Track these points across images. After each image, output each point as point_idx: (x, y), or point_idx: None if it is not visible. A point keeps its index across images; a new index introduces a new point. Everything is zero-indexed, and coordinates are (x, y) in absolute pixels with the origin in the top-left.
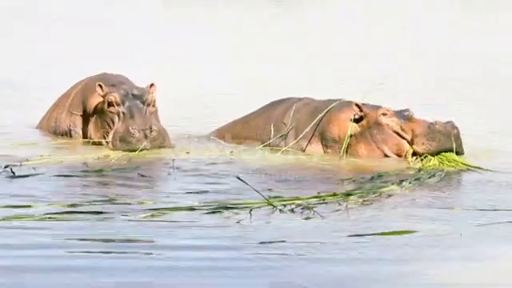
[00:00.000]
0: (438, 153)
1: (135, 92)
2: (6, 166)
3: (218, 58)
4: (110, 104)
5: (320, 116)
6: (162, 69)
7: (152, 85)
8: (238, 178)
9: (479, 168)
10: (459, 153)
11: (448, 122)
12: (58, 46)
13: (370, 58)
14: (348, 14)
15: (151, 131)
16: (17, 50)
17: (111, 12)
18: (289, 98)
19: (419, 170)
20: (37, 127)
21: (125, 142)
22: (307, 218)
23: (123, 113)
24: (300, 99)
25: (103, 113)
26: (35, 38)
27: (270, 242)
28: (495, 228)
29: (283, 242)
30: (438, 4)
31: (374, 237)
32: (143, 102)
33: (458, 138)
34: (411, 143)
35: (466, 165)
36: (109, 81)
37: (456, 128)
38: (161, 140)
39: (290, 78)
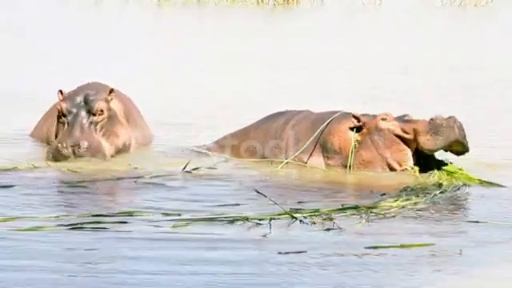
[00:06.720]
0: (446, 146)
1: (87, 101)
2: None
3: (210, 66)
4: (59, 113)
5: (321, 128)
6: (155, 72)
7: (111, 91)
8: (257, 191)
9: (497, 184)
10: (465, 145)
11: (450, 117)
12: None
13: (371, 65)
14: (350, 20)
15: (79, 148)
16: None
17: (111, 12)
18: (288, 111)
19: (440, 184)
20: (30, 135)
21: (54, 157)
22: (327, 230)
23: (67, 123)
24: (299, 112)
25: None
26: (38, 39)
27: (289, 253)
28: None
29: (304, 252)
30: (439, 10)
31: (390, 249)
32: (89, 111)
33: (461, 129)
34: (417, 142)
35: (482, 181)
36: (81, 89)
37: (458, 121)
38: (89, 157)
39: (290, 84)
